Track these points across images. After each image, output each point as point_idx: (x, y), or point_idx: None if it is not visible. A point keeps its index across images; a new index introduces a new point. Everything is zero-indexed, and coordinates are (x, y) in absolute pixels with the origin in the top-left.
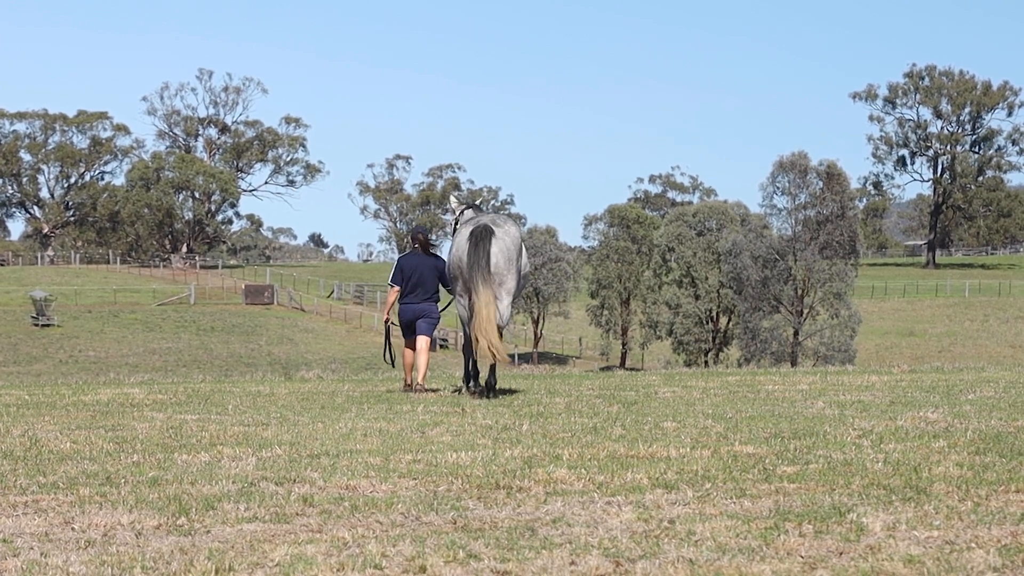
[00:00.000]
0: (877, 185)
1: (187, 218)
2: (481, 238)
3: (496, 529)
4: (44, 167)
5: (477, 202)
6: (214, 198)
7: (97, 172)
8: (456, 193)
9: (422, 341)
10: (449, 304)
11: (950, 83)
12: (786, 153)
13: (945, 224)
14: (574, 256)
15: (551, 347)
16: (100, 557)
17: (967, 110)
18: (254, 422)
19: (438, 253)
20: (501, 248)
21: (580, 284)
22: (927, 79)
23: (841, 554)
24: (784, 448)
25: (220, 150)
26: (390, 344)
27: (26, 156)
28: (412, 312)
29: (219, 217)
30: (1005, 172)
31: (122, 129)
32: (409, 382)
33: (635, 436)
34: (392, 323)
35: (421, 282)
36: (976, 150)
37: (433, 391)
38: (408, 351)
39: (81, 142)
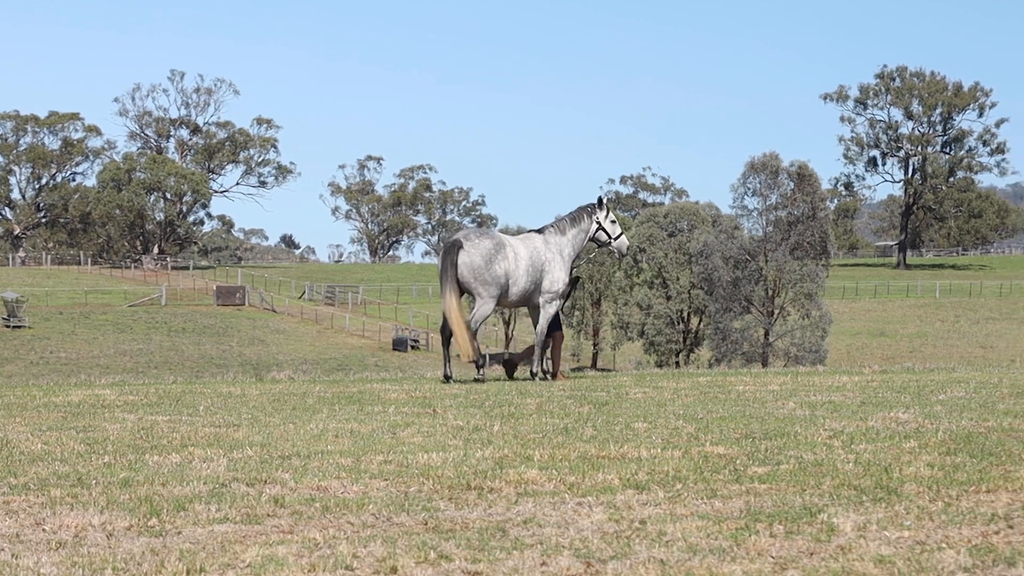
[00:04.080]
0: (848, 186)
1: (158, 219)
2: (449, 251)
3: (467, 530)
4: (15, 168)
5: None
6: (185, 199)
7: (68, 173)
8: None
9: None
10: None
11: (921, 84)
12: (757, 154)
13: (916, 225)
14: None
15: (522, 348)
16: (71, 558)
17: (938, 111)
18: (225, 423)
19: None
20: (465, 260)
21: None
22: (898, 80)
23: (812, 554)
24: (755, 449)
25: (192, 151)
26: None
27: None
28: None
29: (190, 218)
30: (976, 173)
31: (94, 130)
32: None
33: (606, 437)
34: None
35: None
36: (947, 151)
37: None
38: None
39: (53, 143)
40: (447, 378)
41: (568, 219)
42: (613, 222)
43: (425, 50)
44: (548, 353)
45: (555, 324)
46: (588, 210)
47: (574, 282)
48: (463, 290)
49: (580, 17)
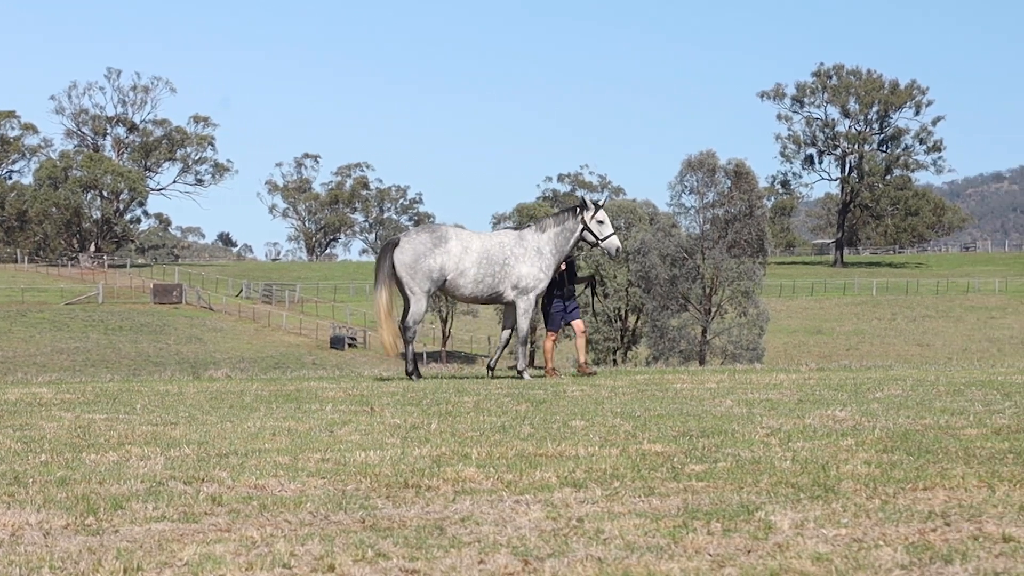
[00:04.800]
0: (785, 184)
1: (95, 217)
2: (386, 249)
3: (405, 528)
4: None
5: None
6: (122, 197)
7: (5, 171)
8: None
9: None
10: (583, 291)
11: (858, 82)
12: (694, 152)
13: (853, 223)
14: None
15: (460, 346)
16: (8, 557)
17: (875, 109)
18: (162, 421)
19: (576, 272)
20: (399, 256)
21: None
22: (835, 78)
23: (749, 552)
24: (692, 446)
25: (128, 149)
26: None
27: None
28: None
29: (127, 216)
30: (912, 171)
31: (30, 128)
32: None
33: (544, 435)
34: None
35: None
36: (883, 149)
37: (592, 373)
38: (549, 341)
39: None
40: (409, 375)
41: (552, 217)
42: (600, 222)
43: (362, 49)
44: (509, 346)
45: (558, 323)
46: (574, 209)
47: (591, 282)
48: (402, 288)
49: (517, 16)
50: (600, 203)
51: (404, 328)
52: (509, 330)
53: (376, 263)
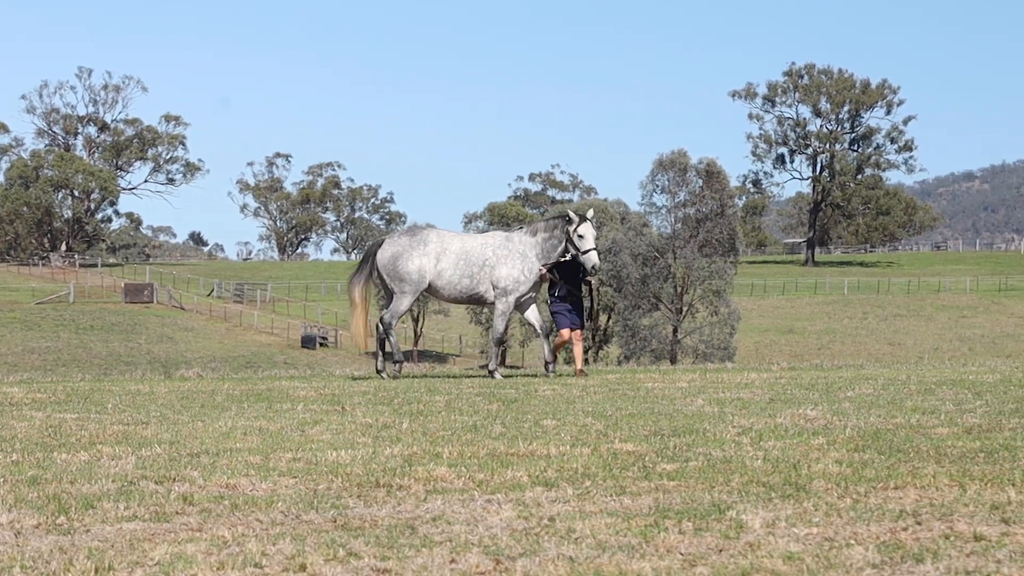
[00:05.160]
0: (756, 183)
1: (66, 216)
2: (369, 251)
3: (376, 527)
4: None
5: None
6: (93, 196)
7: None
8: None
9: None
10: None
11: (829, 81)
12: (666, 151)
13: (824, 222)
14: None
15: (431, 345)
16: None
17: (846, 108)
18: (134, 421)
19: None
20: (379, 257)
21: None
22: (806, 77)
23: (721, 551)
24: (664, 446)
25: (100, 148)
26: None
27: None
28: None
29: (98, 215)
30: (884, 170)
31: (1, 127)
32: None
33: (515, 434)
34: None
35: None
36: (855, 148)
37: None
38: (560, 339)
39: None
40: (377, 372)
41: (543, 223)
42: (581, 236)
43: (332, 48)
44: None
45: (577, 321)
46: (564, 219)
47: (591, 289)
48: (385, 287)
49: (489, 16)
50: (587, 216)
51: (379, 321)
52: (537, 323)
53: (359, 263)
